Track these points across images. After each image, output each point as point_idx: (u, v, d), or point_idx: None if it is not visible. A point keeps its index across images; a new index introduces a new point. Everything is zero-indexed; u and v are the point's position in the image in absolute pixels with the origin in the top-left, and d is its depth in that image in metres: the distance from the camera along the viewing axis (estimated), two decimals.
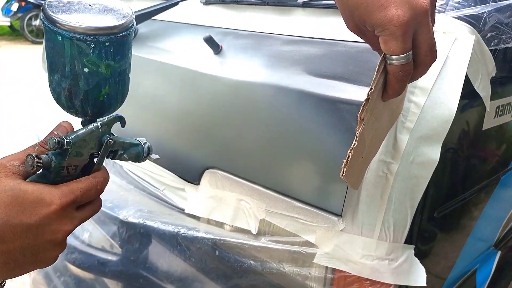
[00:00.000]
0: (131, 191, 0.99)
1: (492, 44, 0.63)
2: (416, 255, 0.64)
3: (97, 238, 0.93)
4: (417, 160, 0.59)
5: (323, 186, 0.65)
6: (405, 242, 0.63)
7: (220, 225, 0.80)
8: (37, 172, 0.43)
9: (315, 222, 0.66)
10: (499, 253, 1.00)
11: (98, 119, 0.48)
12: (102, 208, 0.95)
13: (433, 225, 0.71)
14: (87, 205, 0.46)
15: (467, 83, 0.61)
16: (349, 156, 0.48)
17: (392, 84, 0.47)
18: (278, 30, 0.74)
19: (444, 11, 0.61)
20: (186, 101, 0.85)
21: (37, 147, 0.45)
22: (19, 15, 7.38)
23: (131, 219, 0.84)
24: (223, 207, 0.79)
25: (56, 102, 0.49)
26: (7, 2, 7.46)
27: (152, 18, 0.93)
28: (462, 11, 0.60)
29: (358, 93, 0.61)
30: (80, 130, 0.45)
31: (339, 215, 0.63)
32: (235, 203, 0.77)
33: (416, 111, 0.58)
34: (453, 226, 0.80)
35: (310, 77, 0.67)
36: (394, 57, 0.44)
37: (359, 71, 0.63)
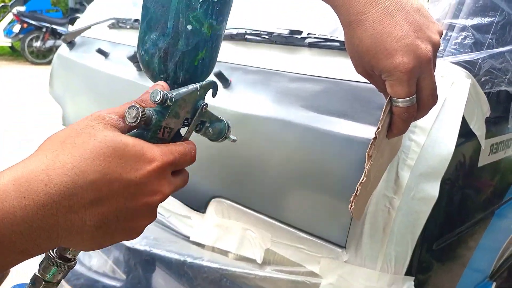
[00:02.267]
0: None
1: (486, 87, 0.68)
2: (415, 286, 0.66)
3: (102, 264, 0.94)
4: (417, 195, 0.62)
5: (327, 218, 0.68)
6: (406, 274, 0.65)
7: (225, 253, 0.82)
8: (134, 132, 0.41)
9: (320, 253, 0.68)
10: (494, 284, 1.02)
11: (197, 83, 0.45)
12: None
13: (432, 257, 0.73)
14: (179, 174, 0.43)
15: (464, 123, 0.65)
16: (357, 190, 0.51)
17: (397, 124, 0.51)
18: (285, 67, 0.79)
19: (442, 56, 0.65)
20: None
21: (133, 103, 0.41)
22: (21, 36, 7.47)
23: (138, 246, 0.86)
24: (228, 236, 0.81)
25: (145, 66, 0.46)
26: (9, 23, 7.57)
27: None
28: (459, 57, 0.65)
29: (361, 130, 0.65)
30: (181, 89, 0.43)
31: (343, 246, 0.66)
32: (241, 232, 0.79)
33: (416, 149, 0.62)
34: (450, 258, 0.83)
35: (315, 114, 0.71)
36: (399, 100, 0.48)
37: (362, 109, 0.67)
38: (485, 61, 0.66)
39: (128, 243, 0.88)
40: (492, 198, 0.91)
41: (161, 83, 0.45)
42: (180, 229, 0.89)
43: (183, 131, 0.46)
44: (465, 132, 0.67)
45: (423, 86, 0.48)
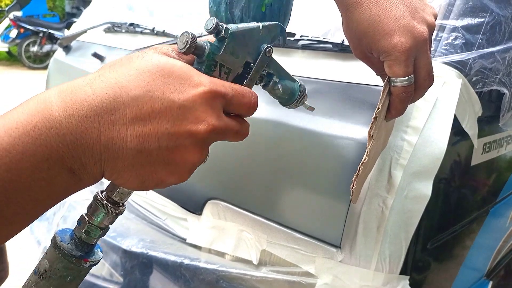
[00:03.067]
0: (132, 220, 1.01)
1: (478, 87, 0.68)
2: (411, 285, 0.67)
3: (99, 268, 0.95)
4: (410, 195, 0.63)
5: (322, 218, 0.68)
6: (400, 273, 0.66)
7: (222, 254, 0.82)
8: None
9: (315, 253, 0.69)
10: (490, 283, 1.02)
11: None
12: (104, 237, 0.97)
13: (426, 256, 0.74)
14: (235, 118, 0.39)
15: (456, 122, 0.66)
16: (359, 170, 0.52)
17: (395, 105, 0.52)
18: None
19: (433, 57, 0.66)
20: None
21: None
22: (18, 41, 7.48)
23: (134, 249, 0.86)
24: (224, 237, 0.81)
25: (214, 16, 0.44)
26: (6, 28, 7.57)
27: None
28: (450, 57, 0.65)
29: (354, 130, 0.66)
30: (240, 24, 0.40)
31: (338, 246, 0.66)
32: (237, 234, 0.80)
33: (409, 149, 0.62)
34: (446, 257, 0.83)
35: (308, 115, 0.72)
36: (397, 79, 0.49)
37: (355, 110, 0.68)
38: (475, 61, 0.66)
39: (124, 245, 0.88)
40: (486, 197, 0.91)
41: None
42: (177, 231, 0.90)
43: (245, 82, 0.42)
44: (458, 132, 0.68)
45: (420, 66, 0.49)
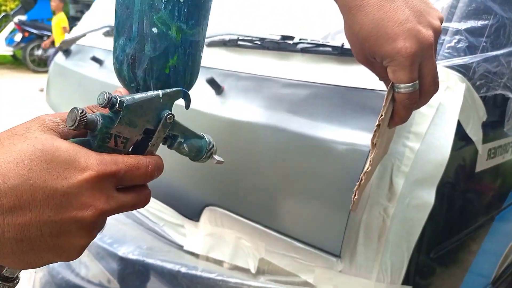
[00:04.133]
0: (129, 225, 1.00)
1: (482, 91, 0.66)
2: None
3: (96, 274, 0.93)
4: (413, 203, 0.61)
5: (321, 226, 0.66)
6: (402, 283, 0.63)
7: (219, 262, 0.80)
8: (78, 139, 0.36)
9: (314, 262, 0.67)
10: None
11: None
12: (100, 243, 0.96)
13: (429, 266, 0.71)
14: (132, 190, 0.38)
15: (460, 128, 0.64)
16: (361, 179, 0.50)
17: (399, 112, 0.50)
18: (277, 73, 0.78)
19: (436, 61, 0.64)
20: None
21: (78, 107, 0.36)
22: (22, 45, 7.52)
23: (131, 256, 0.84)
24: (222, 245, 0.80)
25: (118, 74, 0.44)
26: (10, 33, 7.62)
27: None
28: (453, 61, 0.64)
29: (354, 136, 0.64)
30: (137, 94, 0.39)
31: (337, 255, 0.64)
32: (235, 241, 0.78)
33: (411, 155, 0.60)
34: (449, 266, 0.81)
35: (308, 120, 0.70)
36: (401, 85, 0.47)
37: (354, 114, 0.66)
38: (479, 65, 0.64)
39: (121, 252, 0.86)
40: (491, 204, 0.89)
41: (120, 89, 0.42)
42: (174, 238, 0.88)
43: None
44: (461, 137, 0.66)
45: (425, 72, 0.47)
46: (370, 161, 0.50)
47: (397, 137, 0.61)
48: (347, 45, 0.70)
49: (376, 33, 0.45)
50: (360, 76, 0.67)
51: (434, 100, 0.62)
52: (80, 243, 0.35)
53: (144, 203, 0.39)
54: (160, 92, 0.40)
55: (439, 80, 0.52)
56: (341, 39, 0.72)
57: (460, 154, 0.69)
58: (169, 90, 0.41)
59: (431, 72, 0.48)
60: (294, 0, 0.88)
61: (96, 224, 0.35)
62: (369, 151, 0.51)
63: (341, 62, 0.71)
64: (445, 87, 0.62)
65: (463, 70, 0.64)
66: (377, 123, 0.49)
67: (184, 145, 0.44)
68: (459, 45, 0.64)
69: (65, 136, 0.35)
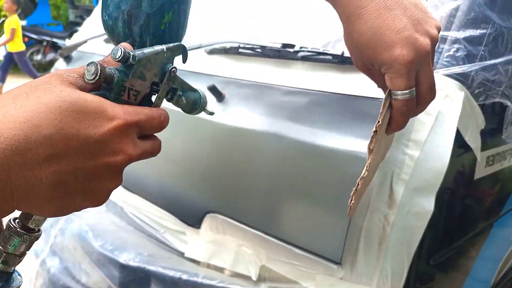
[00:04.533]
0: (130, 232, 1.00)
1: (480, 99, 0.67)
2: None
3: (96, 281, 0.93)
4: (412, 210, 0.61)
5: (322, 233, 0.67)
6: None
7: (220, 270, 0.81)
8: (96, 92, 0.38)
9: (315, 269, 0.67)
10: None
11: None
12: (101, 250, 0.96)
13: (429, 273, 0.72)
14: (148, 139, 0.41)
15: (458, 135, 0.64)
16: (358, 184, 0.51)
17: (396, 119, 0.51)
18: (278, 81, 0.78)
19: (435, 69, 0.65)
20: (189, 146, 0.88)
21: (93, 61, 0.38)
22: None
23: (132, 263, 0.84)
24: (223, 252, 0.80)
25: (110, 31, 0.44)
26: None
27: None
28: (451, 69, 0.64)
29: (354, 144, 0.64)
30: (145, 48, 0.41)
31: (338, 263, 0.65)
32: (236, 248, 0.78)
33: (410, 163, 0.61)
34: (449, 273, 0.81)
35: (308, 127, 0.71)
36: (399, 92, 0.48)
37: (354, 122, 0.67)
38: (478, 73, 0.65)
39: (122, 259, 0.87)
40: (490, 210, 0.89)
41: (125, 44, 0.43)
42: (175, 245, 0.88)
43: (154, 99, 0.44)
44: (460, 145, 0.67)
45: (422, 79, 0.48)
46: (367, 166, 0.51)
47: (396, 144, 0.62)
48: (347, 54, 0.71)
49: (374, 41, 0.46)
50: (360, 84, 0.68)
51: (433, 108, 0.62)
52: (110, 186, 0.37)
53: (158, 150, 0.42)
54: (164, 47, 0.42)
55: (438, 88, 0.53)
56: (341, 47, 0.73)
57: (459, 162, 0.70)
58: (171, 45, 0.43)
59: (428, 80, 0.48)
60: (295, 9, 0.89)
61: (123, 168, 0.37)
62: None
63: (341, 70, 0.72)
64: (444, 95, 0.63)
65: (462, 78, 0.64)
66: (374, 129, 0.49)
67: (183, 97, 0.47)
68: (458, 54, 0.65)
69: (83, 89, 0.36)
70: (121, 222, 1.03)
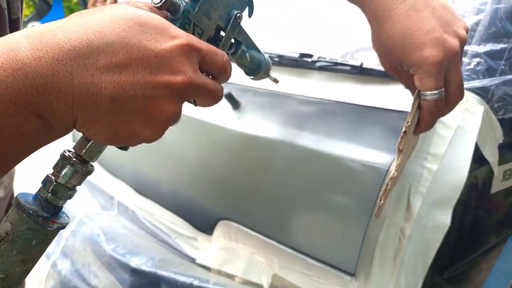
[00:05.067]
0: (142, 236, 1.00)
1: (499, 113, 0.67)
2: None
3: (107, 284, 0.93)
4: (429, 224, 0.61)
5: (337, 244, 0.66)
6: None
7: (231, 277, 0.81)
8: None
9: (328, 280, 0.67)
10: None
11: None
12: (113, 254, 0.96)
13: (443, 286, 0.71)
14: (210, 75, 0.39)
15: (476, 149, 0.64)
16: (387, 184, 0.51)
17: (425, 119, 0.51)
18: (295, 90, 0.79)
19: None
20: (204, 153, 0.88)
21: None
22: None
23: (143, 268, 0.85)
24: (235, 260, 0.80)
25: None
26: None
27: None
28: (471, 83, 0.64)
29: (371, 155, 0.64)
30: None
31: (352, 274, 0.64)
32: (248, 256, 0.78)
33: (428, 176, 0.61)
34: (458, 286, 0.80)
35: (324, 137, 0.70)
36: (428, 93, 0.48)
37: (371, 133, 0.66)
38: (498, 88, 0.65)
39: (133, 263, 0.87)
40: (505, 224, 0.88)
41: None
42: (186, 251, 0.88)
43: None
44: (478, 158, 0.66)
45: (451, 80, 0.48)
46: (396, 166, 0.51)
47: (415, 158, 0.62)
48: (366, 65, 0.71)
49: (404, 42, 0.47)
50: (378, 96, 0.68)
51: (453, 122, 0.62)
52: (168, 111, 0.35)
53: (219, 97, 0.39)
54: None
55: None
56: (360, 58, 0.73)
57: (476, 175, 0.69)
58: None
59: (456, 80, 0.49)
60: (314, 18, 0.89)
61: (183, 94, 0.35)
62: (394, 158, 0.52)
63: (360, 81, 0.72)
64: (463, 109, 0.63)
65: (482, 92, 0.64)
66: (403, 129, 0.50)
67: (247, 54, 0.46)
68: (478, 68, 0.65)
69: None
70: (133, 226, 1.03)
